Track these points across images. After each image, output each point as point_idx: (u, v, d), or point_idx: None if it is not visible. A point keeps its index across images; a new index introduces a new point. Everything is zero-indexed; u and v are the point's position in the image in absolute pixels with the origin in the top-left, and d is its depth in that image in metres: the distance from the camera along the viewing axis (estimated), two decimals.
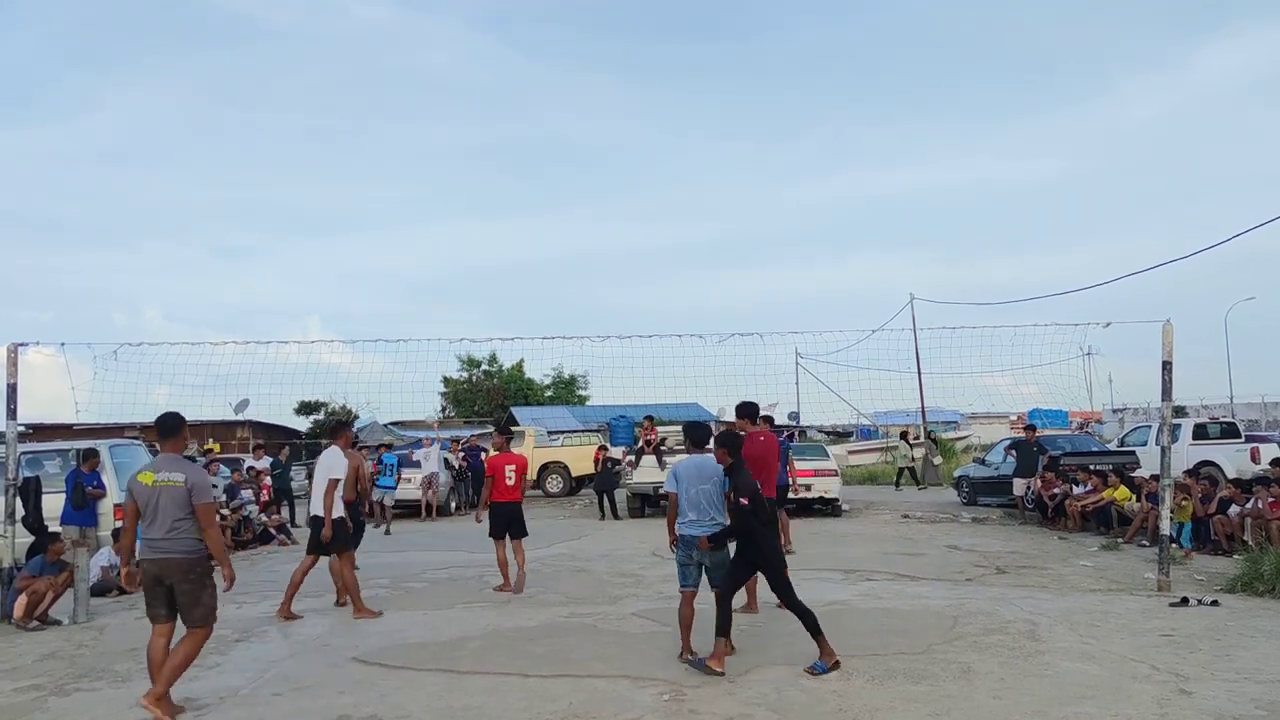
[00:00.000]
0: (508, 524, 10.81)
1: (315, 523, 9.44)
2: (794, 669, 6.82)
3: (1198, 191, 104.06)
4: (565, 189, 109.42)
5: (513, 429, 26.88)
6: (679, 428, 22.82)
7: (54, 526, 11.18)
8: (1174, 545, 11.45)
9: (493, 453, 11.61)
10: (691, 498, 7.16)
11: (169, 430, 6.36)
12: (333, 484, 9.36)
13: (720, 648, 6.93)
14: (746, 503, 6.92)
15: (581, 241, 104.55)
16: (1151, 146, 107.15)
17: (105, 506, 12.38)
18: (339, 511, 9.44)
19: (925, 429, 32.94)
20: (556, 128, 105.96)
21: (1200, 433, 19.82)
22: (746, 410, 9.15)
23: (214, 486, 16.16)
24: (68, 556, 10.03)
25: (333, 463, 9.48)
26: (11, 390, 10.53)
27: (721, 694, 6.26)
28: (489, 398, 48.61)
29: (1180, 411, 23.85)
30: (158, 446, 6.54)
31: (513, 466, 10.89)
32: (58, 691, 6.88)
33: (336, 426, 10.34)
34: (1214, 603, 9.11)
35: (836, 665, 6.76)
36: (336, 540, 9.44)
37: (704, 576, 7.38)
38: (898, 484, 27.04)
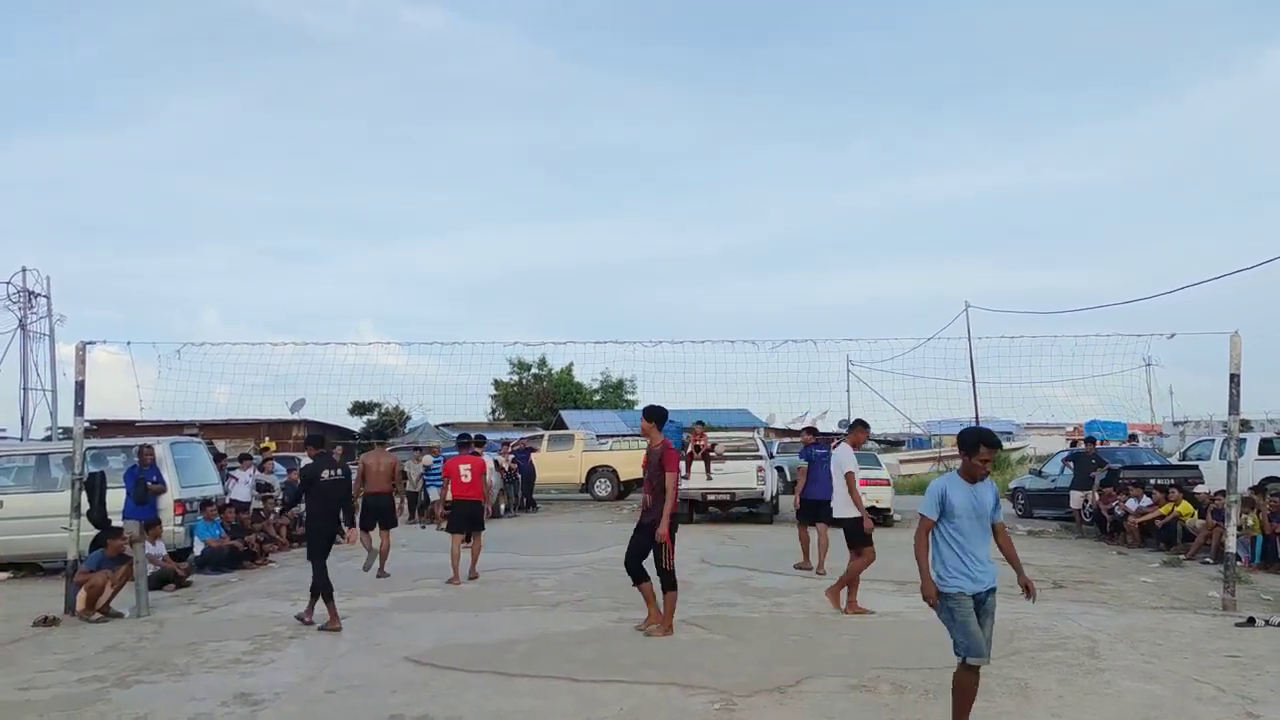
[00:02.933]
0: (468, 520, 11.97)
1: (844, 522, 9.61)
2: (845, 680, 6.74)
3: (1266, 197, 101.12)
4: (616, 194, 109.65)
5: (555, 433, 27.03)
6: (730, 433, 22.76)
7: (117, 521, 11.45)
8: (1239, 562, 11.12)
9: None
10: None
11: None
12: (850, 478, 9.61)
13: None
14: None
15: (631, 246, 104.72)
16: (1217, 151, 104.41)
17: (165, 502, 12.64)
18: (850, 511, 9.57)
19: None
20: (608, 133, 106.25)
21: (1267, 447, 19.25)
22: (654, 415, 8.72)
23: (270, 486, 16.61)
24: (129, 551, 10.27)
25: (843, 458, 9.73)
26: (79, 387, 10.81)
27: (772, 704, 6.20)
28: (538, 401, 48.88)
29: (1245, 425, 23.20)
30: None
31: (467, 466, 12.07)
32: (119, 683, 7.03)
33: (855, 426, 10.48)
34: None
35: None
36: (858, 536, 9.55)
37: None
38: None
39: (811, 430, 14.12)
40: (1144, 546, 14.94)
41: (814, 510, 12.10)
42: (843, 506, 9.76)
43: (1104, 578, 11.92)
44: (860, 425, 10.53)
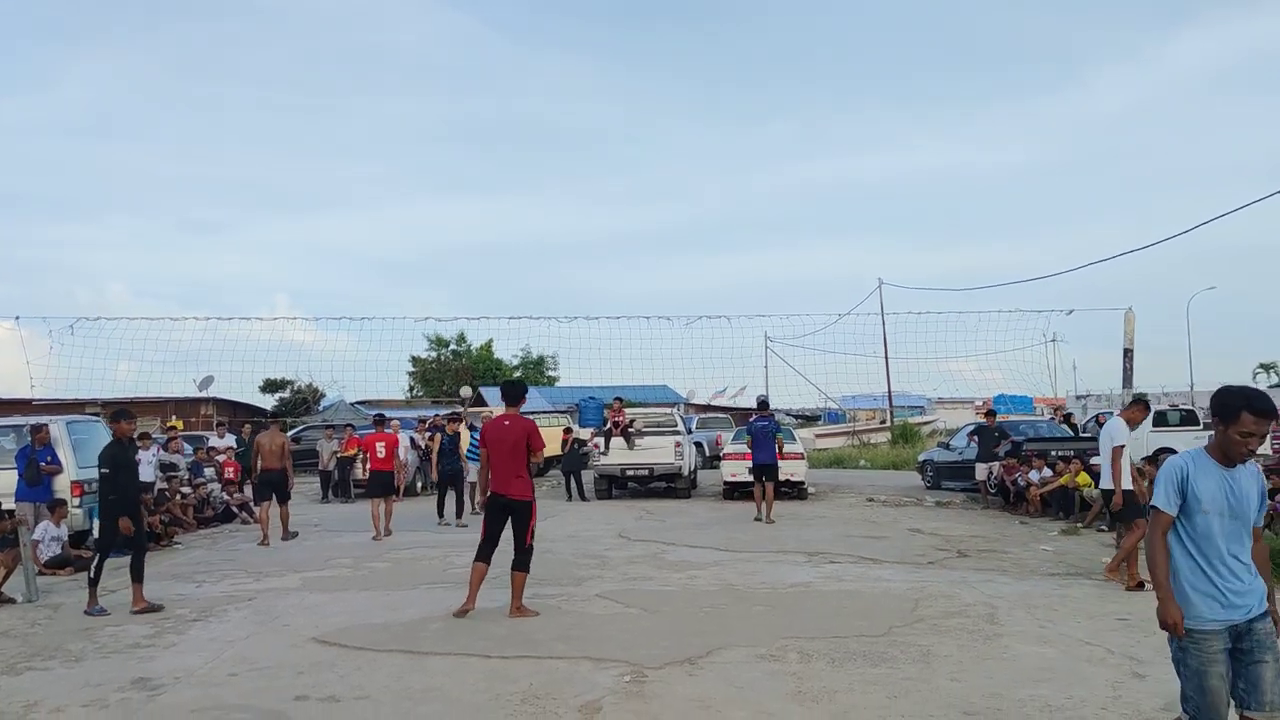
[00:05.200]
0: (383, 488, 14.18)
1: (1108, 495, 9.38)
2: (754, 650, 6.84)
3: (1163, 181, 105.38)
4: (536, 170, 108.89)
5: (462, 409, 26.84)
6: (649, 409, 22.87)
7: (8, 504, 10.99)
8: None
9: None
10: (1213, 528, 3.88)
11: None
12: (1117, 451, 9.30)
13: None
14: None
15: (552, 224, 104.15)
16: (1118, 136, 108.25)
17: (61, 483, 12.18)
18: (1123, 483, 9.27)
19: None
20: (528, 109, 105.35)
21: (1160, 420, 20.06)
22: (507, 392, 8.77)
23: (174, 467, 16.12)
24: (21, 535, 9.86)
25: (1114, 431, 9.44)
26: None
27: (682, 675, 6.26)
28: (457, 378, 48.34)
29: (1139, 398, 24.13)
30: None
31: (383, 443, 14.53)
32: (9, 670, 6.76)
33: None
34: None
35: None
36: (1128, 510, 9.32)
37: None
38: None
39: (763, 405, 16.89)
40: (1045, 516, 15.48)
41: (761, 472, 15.14)
42: (1114, 481, 9.44)
43: (1006, 546, 12.33)
44: (1139, 403, 10.16)
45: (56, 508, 11.46)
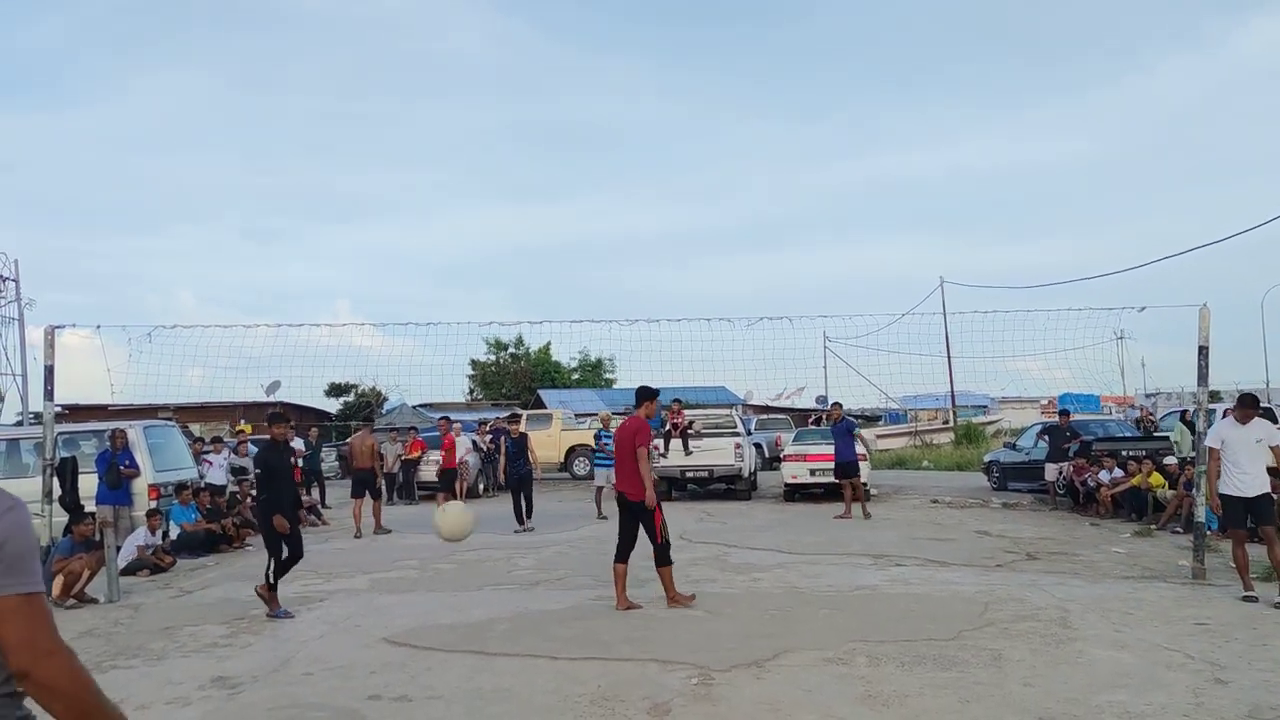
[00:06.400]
0: (445, 485, 16.89)
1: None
2: (822, 653, 6.79)
3: (1235, 173, 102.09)
4: (591, 172, 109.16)
5: (521, 412, 27.00)
6: (707, 411, 22.83)
7: (90, 506, 11.37)
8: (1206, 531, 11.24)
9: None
10: None
11: None
12: (1209, 452, 9.11)
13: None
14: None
15: (608, 225, 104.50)
16: (1187, 127, 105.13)
17: (139, 486, 12.55)
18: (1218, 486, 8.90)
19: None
20: (583, 111, 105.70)
21: None
22: (637, 395, 9.21)
23: (244, 470, 16.52)
24: (105, 536, 10.19)
25: (1211, 430, 9.30)
26: (49, 372, 10.70)
27: (749, 678, 6.25)
28: (516, 380, 48.75)
29: (1215, 396, 23.47)
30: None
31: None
32: (94, 668, 6.90)
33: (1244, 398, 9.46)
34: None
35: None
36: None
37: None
38: None
39: (838, 406, 17.58)
40: (1116, 517, 15.12)
41: (841, 470, 15.78)
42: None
43: (1077, 549, 12.07)
44: (1243, 400, 9.36)
45: (151, 516, 11.86)
